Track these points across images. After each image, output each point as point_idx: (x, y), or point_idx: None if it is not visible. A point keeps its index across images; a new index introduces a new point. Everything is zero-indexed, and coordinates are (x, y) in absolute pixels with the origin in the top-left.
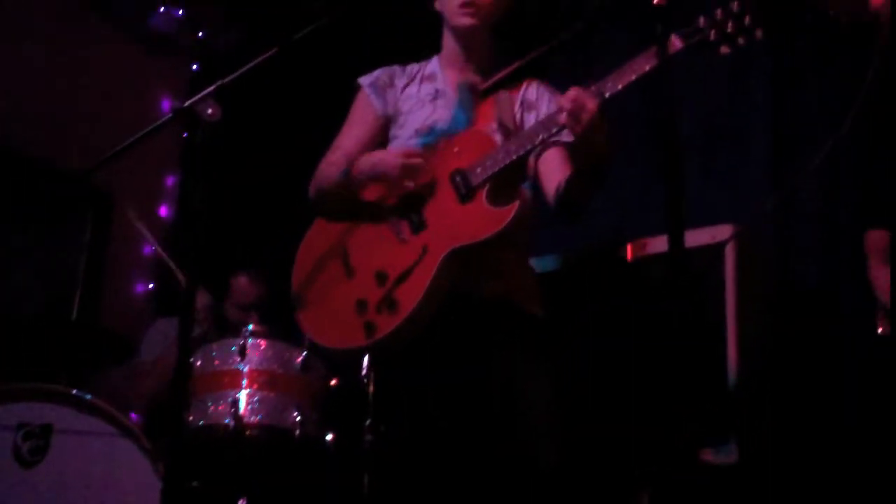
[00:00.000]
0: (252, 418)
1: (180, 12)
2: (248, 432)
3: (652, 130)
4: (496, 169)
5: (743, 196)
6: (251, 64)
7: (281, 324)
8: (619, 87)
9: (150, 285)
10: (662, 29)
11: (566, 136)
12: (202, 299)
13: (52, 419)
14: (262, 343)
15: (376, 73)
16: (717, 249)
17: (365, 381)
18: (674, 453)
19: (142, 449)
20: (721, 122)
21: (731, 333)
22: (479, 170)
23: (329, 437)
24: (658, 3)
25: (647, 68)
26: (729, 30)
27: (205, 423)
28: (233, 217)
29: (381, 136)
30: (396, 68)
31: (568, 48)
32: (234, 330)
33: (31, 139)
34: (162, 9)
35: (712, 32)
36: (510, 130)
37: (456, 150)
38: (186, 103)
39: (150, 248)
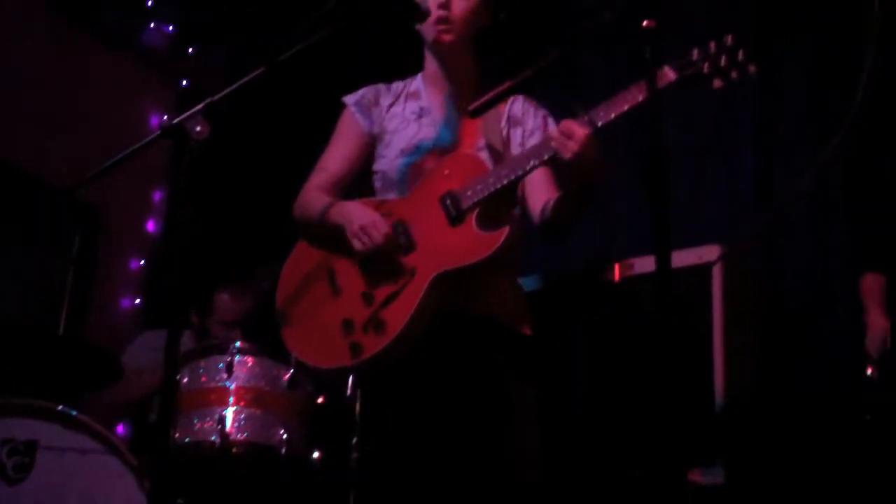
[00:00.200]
0: (238, 435)
1: (170, 28)
2: (234, 449)
3: (639, 148)
4: (486, 193)
5: (731, 215)
6: (239, 82)
7: (267, 340)
8: (612, 116)
9: (137, 300)
10: (651, 51)
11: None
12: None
13: (37, 435)
14: (250, 360)
15: (361, 91)
16: (704, 270)
17: (351, 399)
18: (661, 474)
19: (127, 466)
20: (708, 140)
21: (717, 354)
22: (469, 193)
23: (315, 454)
24: (647, 25)
25: (641, 99)
26: (722, 64)
27: (191, 439)
28: (220, 233)
29: (366, 155)
30: (381, 87)
31: (558, 68)
32: (220, 347)
33: (19, 152)
34: (152, 24)
35: (705, 65)
36: (497, 149)
37: (446, 172)
38: (175, 120)
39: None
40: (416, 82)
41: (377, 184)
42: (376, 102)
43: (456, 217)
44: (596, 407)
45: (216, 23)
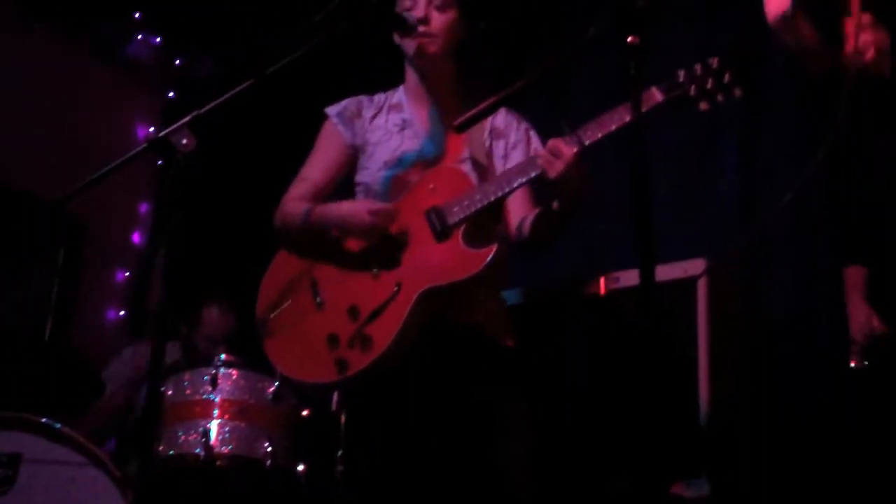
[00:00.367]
0: (223, 448)
1: (157, 40)
2: (218, 462)
3: (624, 162)
4: (473, 210)
5: (715, 230)
6: (226, 95)
7: (252, 354)
8: (599, 135)
9: (122, 312)
10: (636, 66)
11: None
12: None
13: (21, 448)
14: (235, 373)
15: (343, 102)
16: (689, 284)
17: (336, 412)
18: (646, 487)
19: (111, 478)
20: (692, 155)
21: (702, 367)
22: (455, 209)
23: (300, 467)
24: (632, 41)
25: (628, 119)
26: (708, 86)
27: (175, 452)
28: (206, 246)
29: (348, 167)
30: (363, 98)
31: (543, 83)
32: (205, 359)
33: (5, 164)
34: (139, 36)
35: (692, 88)
36: (480, 162)
37: (431, 186)
38: (161, 133)
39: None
40: (398, 94)
41: (359, 196)
42: (359, 114)
43: (442, 232)
44: (581, 419)
45: (203, 35)
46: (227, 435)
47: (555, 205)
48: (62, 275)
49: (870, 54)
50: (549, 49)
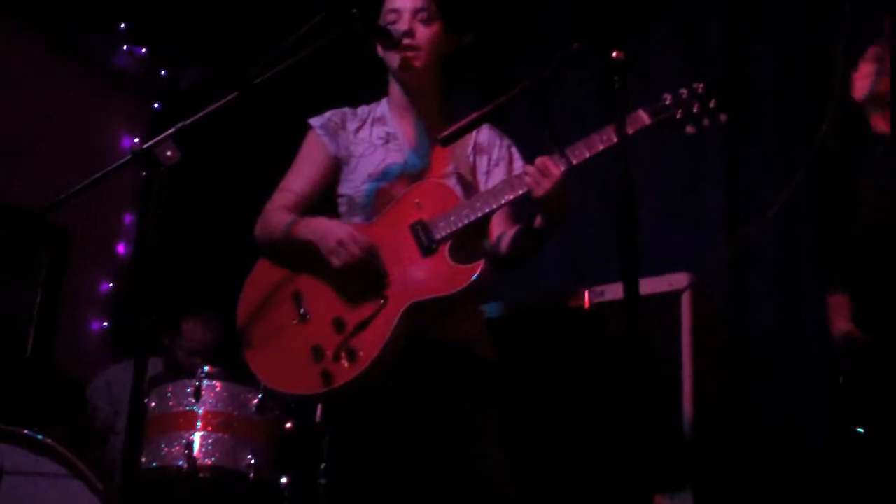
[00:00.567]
0: (206, 460)
1: (143, 51)
2: (201, 474)
3: (608, 178)
4: (460, 225)
5: (699, 244)
6: (211, 107)
7: (234, 365)
8: (587, 155)
9: (105, 323)
10: (620, 81)
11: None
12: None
13: (3, 460)
14: (218, 385)
15: (327, 114)
16: (673, 297)
17: (320, 424)
18: (629, 499)
19: (93, 490)
20: (677, 169)
21: (686, 381)
22: (442, 224)
23: (283, 479)
24: (617, 56)
25: (616, 140)
26: (695, 110)
27: (158, 464)
28: (189, 258)
29: (331, 178)
30: (347, 110)
31: (528, 97)
32: (187, 371)
33: None
34: (125, 47)
35: (679, 111)
36: (465, 177)
37: (417, 201)
38: (146, 145)
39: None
40: (381, 107)
41: (342, 207)
42: (343, 126)
43: (428, 247)
44: (564, 431)
45: (189, 46)
46: (210, 447)
47: (537, 222)
48: (45, 285)
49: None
50: (534, 63)
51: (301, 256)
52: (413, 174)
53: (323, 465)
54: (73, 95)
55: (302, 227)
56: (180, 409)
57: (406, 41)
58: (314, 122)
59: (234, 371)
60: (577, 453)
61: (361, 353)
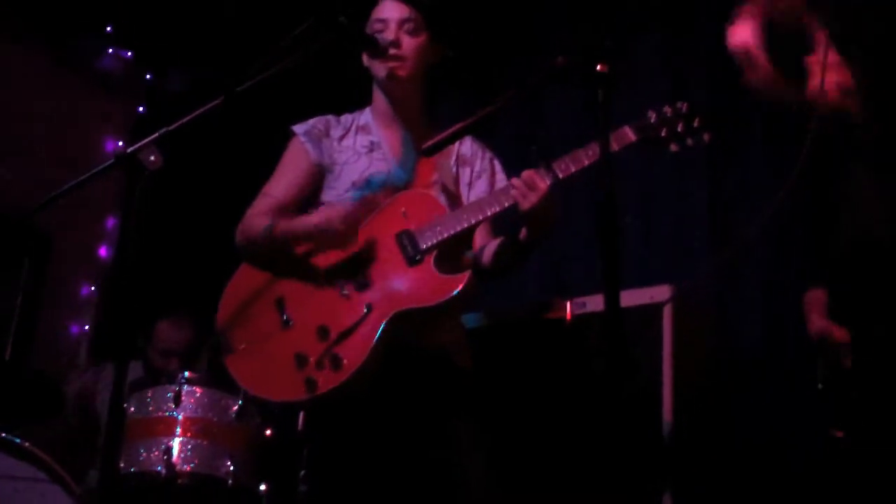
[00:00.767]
0: (184, 466)
1: (129, 54)
2: (180, 480)
3: (592, 189)
4: (446, 236)
5: (682, 257)
6: (195, 113)
7: (208, 369)
8: (573, 170)
9: (86, 327)
10: (604, 94)
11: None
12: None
13: None
14: (198, 390)
15: (311, 121)
16: (655, 309)
17: (300, 432)
18: None
19: (71, 495)
20: (660, 182)
21: (666, 393)
22: (427, 234)
23: (262, 487)
24: (601, 69)
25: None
26: (679, 129)
27: (136, 469)
28: (169, 261)
29: (313, 185)
30: (331, 118)
31: (513, 109)
32: (168, 376)
33: None
34: (110, 50)
35: (663, 130)
36: (449, 187)
37: (402, 210)
38: (129, 150)
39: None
40: (365, 116)
41: None
42: (326, 133)
43: (413, 257)
44: (545, 441)
45: (174, 50)
46: (189, 453)
47: (523, 234)
48: (26, 288)
49: (833, 94)
50: (519, 74)
51: (283, 262)
52: (397, 184)
53: (302, 473)
54: (57, 97)
55: (283, 224)
56: (160, 414)
57: (392, 51)
58: (297, 129)
59: (216, 377)
60: (559, 463)
61: (346, 361)
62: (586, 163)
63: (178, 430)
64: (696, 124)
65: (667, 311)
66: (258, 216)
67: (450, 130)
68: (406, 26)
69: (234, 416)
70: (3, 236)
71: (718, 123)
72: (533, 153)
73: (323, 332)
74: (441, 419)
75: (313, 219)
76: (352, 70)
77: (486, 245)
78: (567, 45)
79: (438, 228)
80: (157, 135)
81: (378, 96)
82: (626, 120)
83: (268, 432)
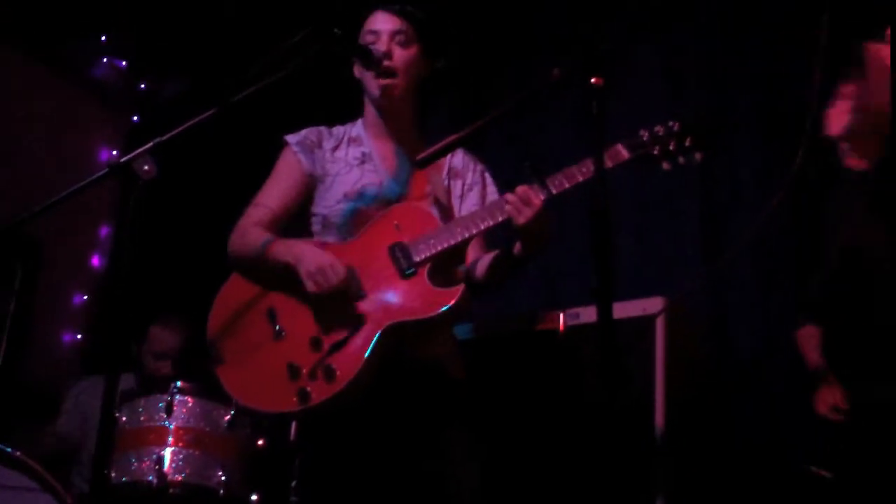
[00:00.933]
0: (176, 476)
1: (123, 63)
2: (171, 490)
3: (586, 202)
4: (439, 249)
5: (675, 269)
6: (189, 123)
7: (202, 375)
8: (567, 185)
9: (78, 336)
10: (598, 106)
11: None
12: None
13: None
14: (190, 400)
15: (304, 132)
16: (647, 321)
17: (292, 442)
18: None
19: None
20: (653, 195)
21: (659, 404)
22: (421, 247)
23: (254, 497)
24: (595, 82)
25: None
26: (671, 148)
27: (127, 479)
28: (162, 269)
29: (305, 196)
30: (323, 129)
31: (506, 122)
32: (155, 381)
33: None
34: (105, 59)
35: (655, 148)
36: (441, 200)
37: (395, 223)
38: (122, 159)
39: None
40: (357, 128)
41: (316, 226)
42: (319, 144)
43: (407, 270)
44: (539, 452)
45: (169, 59)
46: (180, 462)
47: (516, 248)
48: (19, 296)
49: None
50: (519, 75)
51: (276, 274)
52: (390, 196)
53: (294, 483)
54: (52, 106)
55: (280, 248)
56: (151, 424)
57: (385, 63)
58: (290, 139)
59: (208, 387)
60: (552, 474)
61: (339, 373)
62: (580, 179)
63: (170, 439)
64: (687, 143)
65: (659, 323)
66: (252, 227)
67: (443, 143)
68: (398, 38)
69: (225, 426)
70: None
71: (710, 143)
72: (526, 169)
73: (316, 343)
74: (435, 430)
75: (310, 266)
76: (345, 80)
77: (480, 259)
78: (565, 50)
79: (432, 241)
80: (150, 144)
81: (370, 109)
82: (626, 121)
83: (260, 442)
